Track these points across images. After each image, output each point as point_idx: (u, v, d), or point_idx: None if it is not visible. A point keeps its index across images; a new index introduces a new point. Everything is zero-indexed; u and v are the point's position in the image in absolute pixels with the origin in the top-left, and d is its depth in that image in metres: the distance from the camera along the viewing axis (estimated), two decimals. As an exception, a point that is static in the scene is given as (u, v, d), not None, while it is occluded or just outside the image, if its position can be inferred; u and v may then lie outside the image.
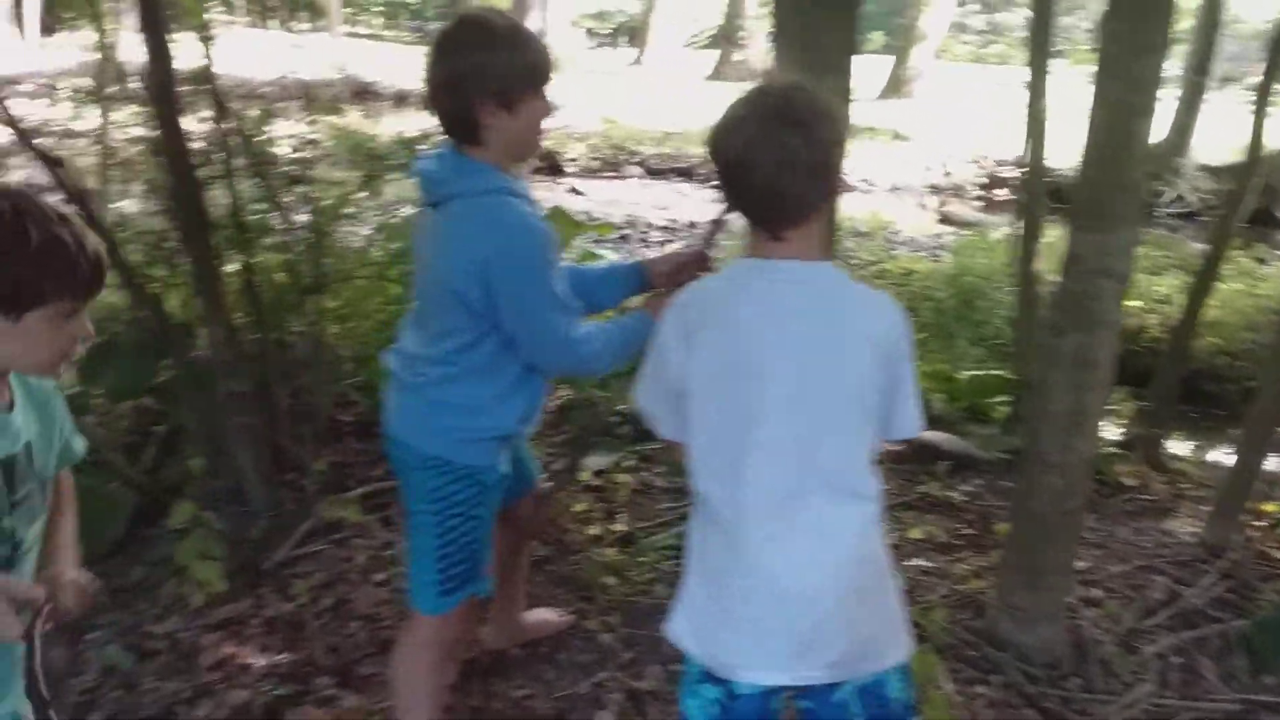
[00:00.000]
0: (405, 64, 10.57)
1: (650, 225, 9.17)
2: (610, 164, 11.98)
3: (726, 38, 19.71)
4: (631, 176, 11.85)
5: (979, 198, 12.05)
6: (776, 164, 1.55)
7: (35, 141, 2.95)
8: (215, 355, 3.08)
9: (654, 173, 12.05)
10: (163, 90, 2.78)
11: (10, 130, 3.02)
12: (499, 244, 1.95)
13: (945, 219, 10.66)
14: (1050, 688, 2.55)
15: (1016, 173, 11.63)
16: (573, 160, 11.77)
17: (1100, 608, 2.87)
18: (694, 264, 2.25)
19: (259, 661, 2.67)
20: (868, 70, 19.43)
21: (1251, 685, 2.62)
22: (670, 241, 8.52)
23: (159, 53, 2.75)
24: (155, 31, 2.72)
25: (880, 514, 1.68)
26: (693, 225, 9.25)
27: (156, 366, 3.15)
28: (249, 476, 3.11)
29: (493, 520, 2.25)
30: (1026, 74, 3.94)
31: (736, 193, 1.62)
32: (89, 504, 2.99)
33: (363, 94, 11.56)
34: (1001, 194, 11.61)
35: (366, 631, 2.79)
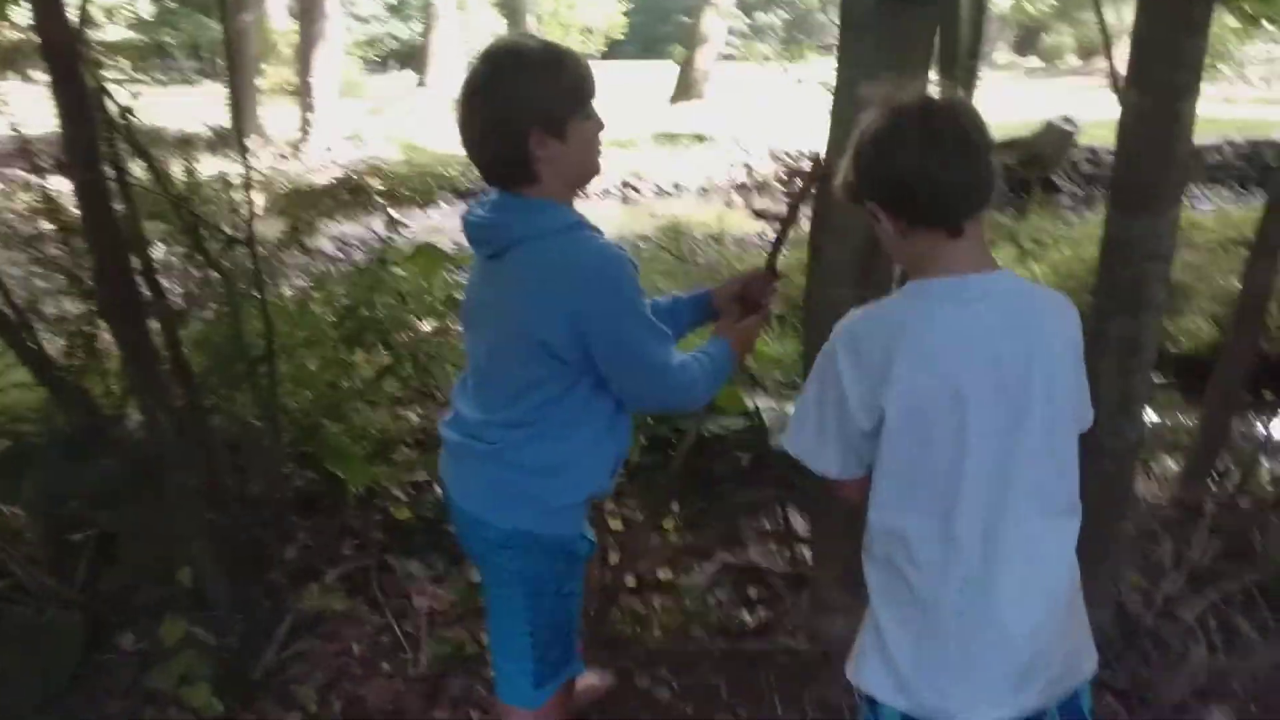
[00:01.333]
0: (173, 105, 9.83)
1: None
2: (421, 191, 11.59)
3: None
4: (443, 202, 11.50)
5: (784, 192, 12.45)
6: (958, 152, 1.48)
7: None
8: (157, 445, 2.69)
9: (464, 195, 11.74)
10: (86, 154, 2.38)
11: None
12: (587, 282, 1.77)
13: (759, 214, 10.90)
14: (1107, 669, 2.55)
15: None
16: (382, 192, 11.29)
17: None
18: (759, 283, 2.13)
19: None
20: (654, 76, 19.78)
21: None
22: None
23: (76, 114, 2.36)
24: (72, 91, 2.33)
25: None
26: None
27: (85, 468, 2.71)
28: (212, 577, 2.73)
29: (581, 592, 2.05)
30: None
31: (918, 198, 1.50)
32: (31, 642, 2.58)
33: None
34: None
35: (392, 733, 2.50)
